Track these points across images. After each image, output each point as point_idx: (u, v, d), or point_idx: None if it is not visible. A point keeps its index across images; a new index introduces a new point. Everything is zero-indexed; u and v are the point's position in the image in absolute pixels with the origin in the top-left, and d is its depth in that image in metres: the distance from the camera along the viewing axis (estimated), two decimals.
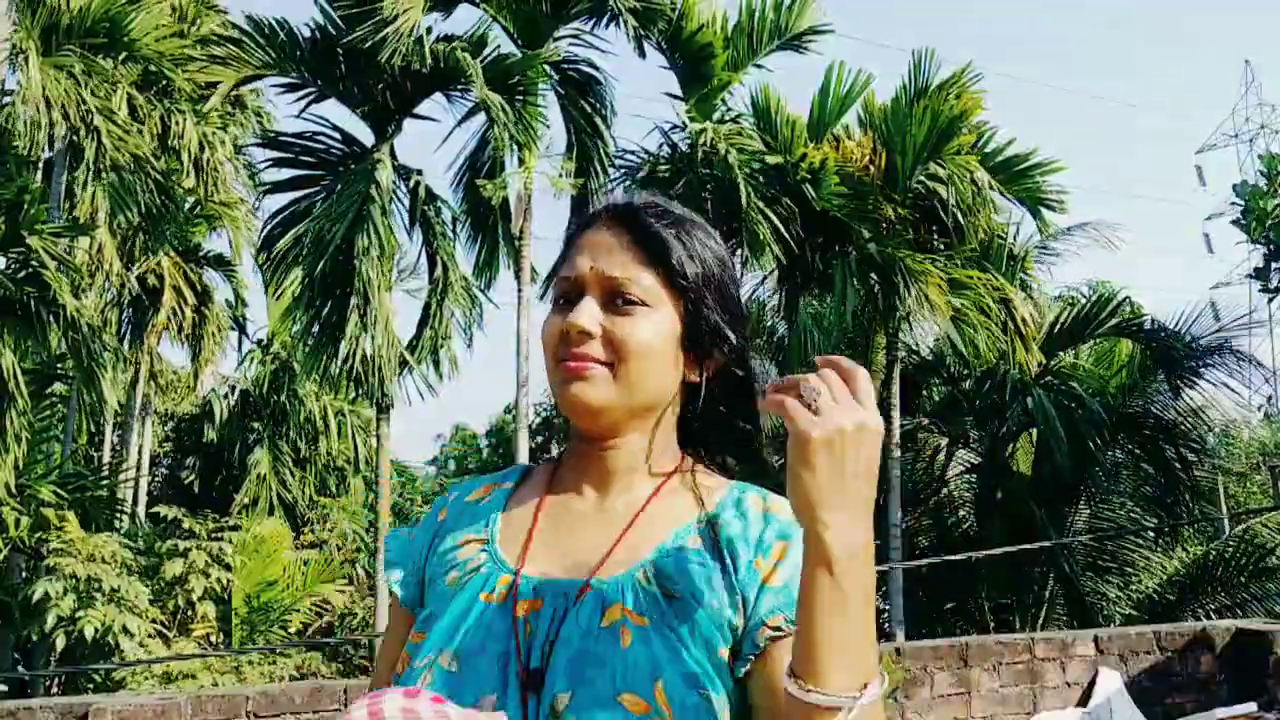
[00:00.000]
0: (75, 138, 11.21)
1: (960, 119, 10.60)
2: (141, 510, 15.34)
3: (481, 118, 11.03)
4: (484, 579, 1.00)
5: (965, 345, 10.65)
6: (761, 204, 10.04)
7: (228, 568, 10.66)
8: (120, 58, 11.77)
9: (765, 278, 11.69)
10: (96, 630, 9.01)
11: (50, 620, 9.04)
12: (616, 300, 1.00)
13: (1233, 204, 13.38)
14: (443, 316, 11.38)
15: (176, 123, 12.47)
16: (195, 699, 3.81)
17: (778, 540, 0.97)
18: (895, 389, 11.41)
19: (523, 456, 10.78)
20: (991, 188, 10.47)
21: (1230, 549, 11.70)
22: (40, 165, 12.37)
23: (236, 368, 18.68)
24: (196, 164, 12.76)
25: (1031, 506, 11.36)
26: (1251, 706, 4.82)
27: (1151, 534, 12.19)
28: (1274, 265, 12.88)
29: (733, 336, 1.04)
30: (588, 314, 1.00)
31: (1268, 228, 12.42)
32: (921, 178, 10.56)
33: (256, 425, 17.62)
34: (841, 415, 0.81)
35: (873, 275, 10.72)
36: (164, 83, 12.38)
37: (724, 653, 0.92)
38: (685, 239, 1.04)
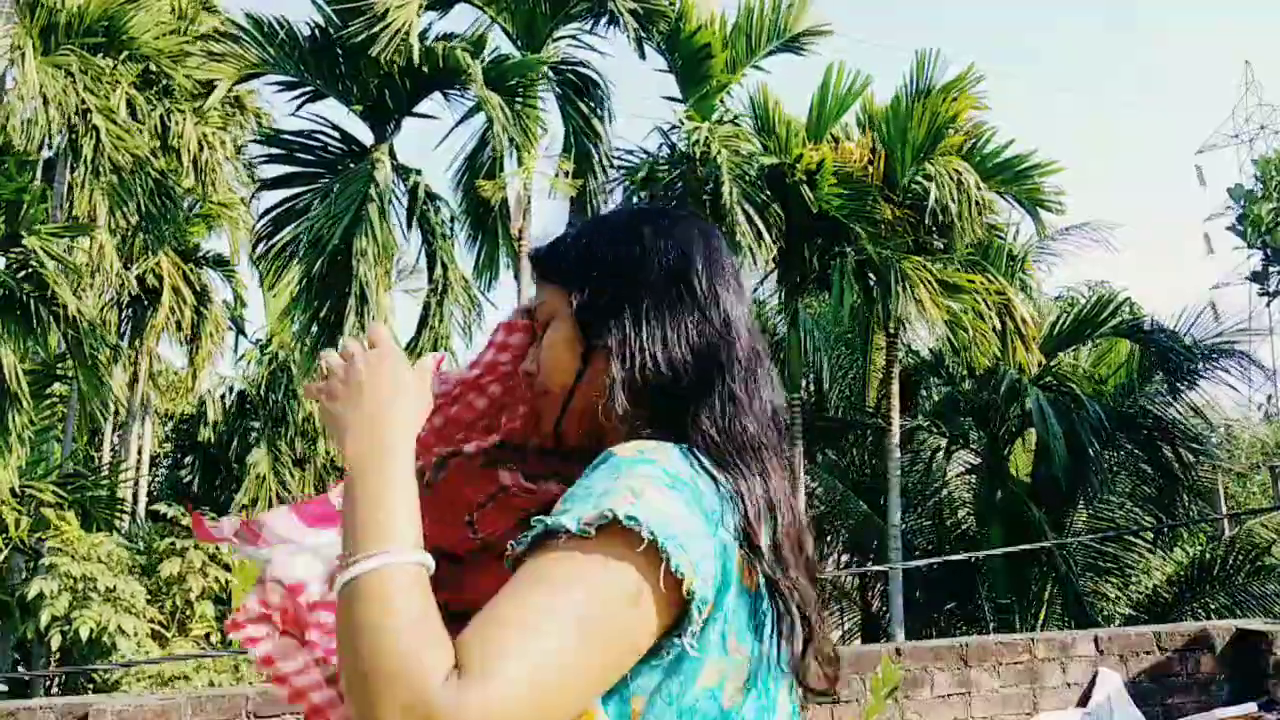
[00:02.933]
0: (74, 137, 11.20)
1: (954, 120, 10.61)
2: (141, 510, 15.34)
3: (481, 118, 11.03)
4: None
5: (961, 349, 10.66)
6: (748, 205, 10.02)
7: (226, 567, 10.64)
8: (121, 57, 11.77)
9: (764, 277, 11.70)
10: (92, 630, 8.99)
11: (45, 618, 9.03)
12: (537, 332, 1.09)
13: (1228, 208, 13.42)
14: (442, 316, 11.37)
15: (176, 122, 12.47)
16: (195, 699, 3.80)
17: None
18: (895, 389, 11.41)
19: None
20: (979, 188, 10.45)
21: (1229, 549, 11.72)
22: (40, 165, 12.38)
23: (234, 366, 18.69)
24: (195, 163, 12.76)
25: (1031, 507, 11.37)
26: (1251, 706, 4.82)
27: (1150, 534, 12.20)
28: (1272, 269, 12.91)
29: (628, 315, 0.99)
30: (530, 358, 1.10)
31: (1264, 232, 12.45)
32: (918, 178, 10.57)
33: (255, 425, 17.62)
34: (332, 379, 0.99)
35: (870, 276, 10.73)
36: (164, 82, 12.37)
37: None
38: (580, 241, 1.07)
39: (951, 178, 10.30)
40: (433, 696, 0.74)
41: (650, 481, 0.86)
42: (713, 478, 0.92)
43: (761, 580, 0.91)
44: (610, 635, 0.81)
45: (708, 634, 0.86)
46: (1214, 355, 11.96)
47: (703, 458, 0.93)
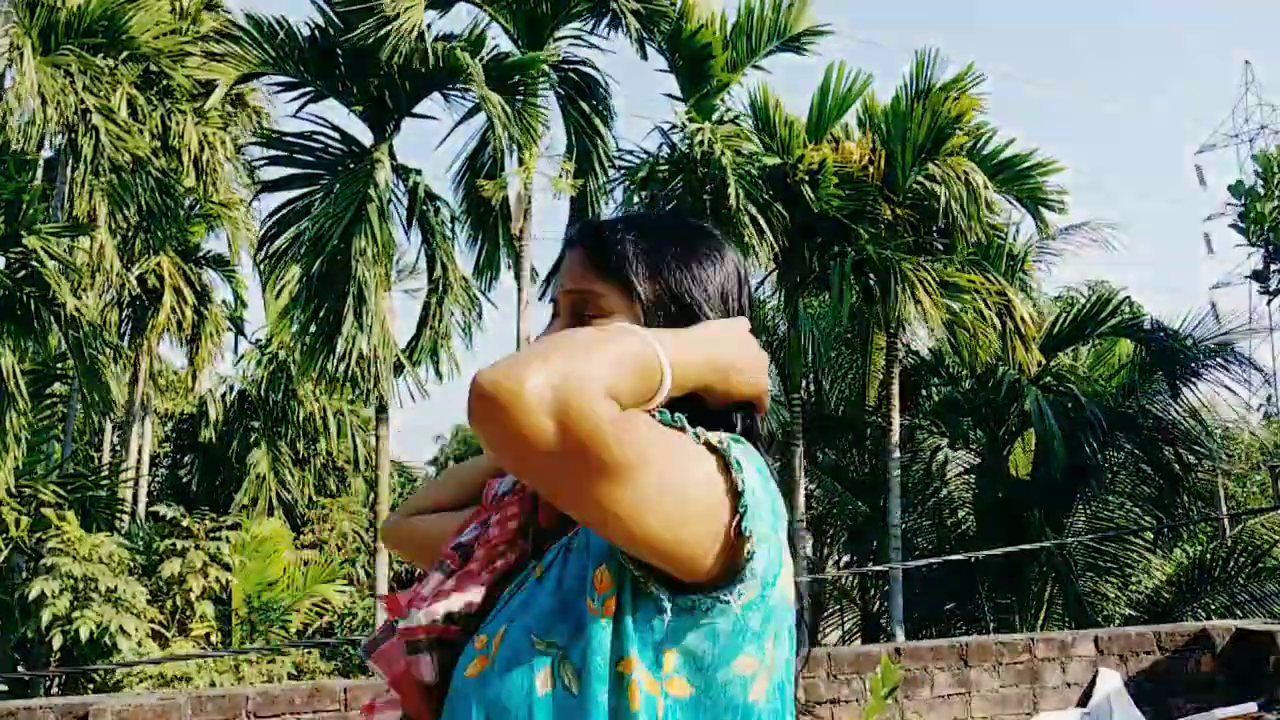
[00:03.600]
0: (73, 136, 11.20)
1: (957, 120, 10.60)
2: (141, 510, 15.34)
3: (481, 118, 11.04)
4: None
5: (961, 348, 10.66)
6: (752, 205, 10.03)
7: (226, 567, 10.64)
8: (121, 57, 11.77)
9: (765, 277, 11.70)
10: (93, 630, 8.99)
11: (46, 618, 9.03)
12: (581, 318, 1.04)
13: (1229, 205, 13.40)
14: (442, 316, 11.37)
15: (176, 123, 12.47)
16: (195, 699, 3.81)
17: None
18: (895, 389, 11.41)
19: None
20: (986, 188, 10.46)
21: (1229, 549, 11.72)
22: (42, 165, 12.38)
23: (234, 366, 18.70)
24: (196, 164, 12.76)
25: (1030, 507, 11.37)
26: (1251, 706, 4.82)
27: (1150, 534, 12.20)
28: (1273, 267, 12.90)
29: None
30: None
31: (1266, 230, 12.43)
32: (920, 178, 10.56)
33: (255, 425, 17.62)
34: None
35: (871, 276, 10.72)
36: (165, 83, 12.38)
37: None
38: (643, 246, 1.04)
39: (959, 178, 10.30)
40: (594, 385, 0.81)
41: (746, 456, 0.91)
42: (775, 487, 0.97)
43: (790, 591, 0.95)
44: (682, 501, 0.86)
45: (748, 617, 0.89)
46: (1214, 353, 11.96)
47: None
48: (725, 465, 0.89)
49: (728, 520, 0.87)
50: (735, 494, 0.88)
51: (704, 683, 0.88)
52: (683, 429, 0.90)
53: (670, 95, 11.29)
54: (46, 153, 12.27)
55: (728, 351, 0.99)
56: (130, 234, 13.73)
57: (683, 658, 0.88)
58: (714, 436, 0.91)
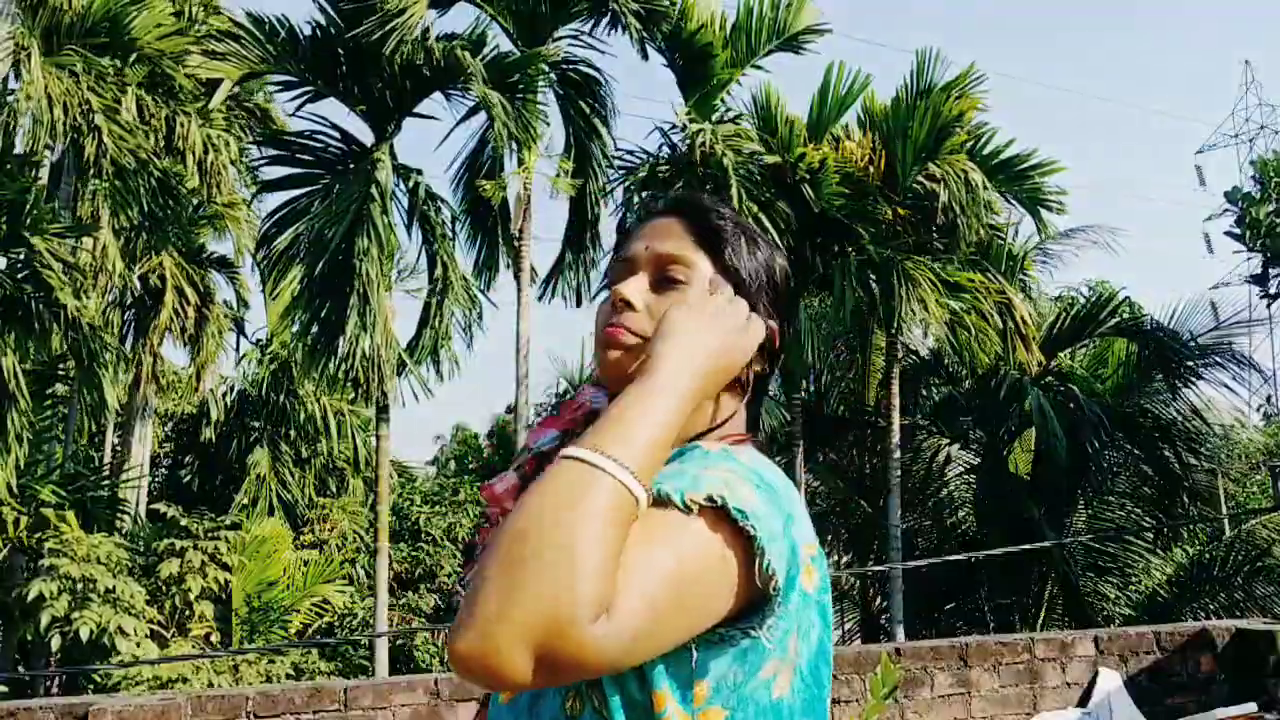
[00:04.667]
0: (77, 137, 11.21)
1: (958, 119, 10.61)
2: (142, 510, 15.34)
3: (481, 118, 11.04)
4: None
5: (962, 349, 10.66)
6: (754, 206, 10.03)
7: (225, 567, 10.64)
8: (130, 59, 11.78)
9: None
10: (92, 631, 8.99)
11: (45, 620, 9.04)
12: (666, 281, 1.04)
13: (1225, 210, 13.42)
14: (443, 316, 11.37)
15: (181, 124, 12.48)
16: (195, 699, 3.81)
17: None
18: (895, 389, 11.41)
19: None
20: (986, 188, 10.45)
21: (1229, 549, 11.72)
22: (47, 166, 12.37)
23: (235, 366, 18.68)
24: (200, 166, 12.76)
25: (1031, 507, 11.37)
26: (1251, 706, 4.82)
27: (1150, 534, 12.20)
28: (1272, 271, 12.90)
29: (768, 307, 1.07)
30: (633, 287, 1.04)
31: (1263, 234, 12.45)
32: (920, 178, 10.56)
33: (256, 425, 17.62)
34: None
35: (872, 276, 10.73)
36: (169, 84, 12.38)
37: None
38: (739, 235, 1.07)
39: (959, 177, 10.30)
40: (580, 615, 0.74)
41: (739, 477, 0.91)
42: (781, 479, 0.97)
43: (815, 582, 0.95)
44: (697, 598, 0.85)
45: (772, 633, 0.90)
46: (1212, 350, 11.97)
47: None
48: (729, 517, 0.87)
49: (747, 569, 0.87)
50: (749, 539, 0.86)
51: (736, 700, 0.89)
52: (669, 504, 0.86)
53: (670, 96, 11.30)
54: (53, 155, 12.26)
55: (704, 350, 0.94)
56: (134, 235, 13.73)
57: (714, 686, 0.89)
58: (713, 482, 0.88)
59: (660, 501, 0.86)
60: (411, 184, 11.26)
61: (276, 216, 10.88)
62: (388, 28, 9.80)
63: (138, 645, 9.26)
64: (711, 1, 11.11)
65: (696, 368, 0.92)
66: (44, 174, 12.10)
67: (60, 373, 11.42)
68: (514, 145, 10.67)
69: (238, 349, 18.38)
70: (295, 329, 11.52)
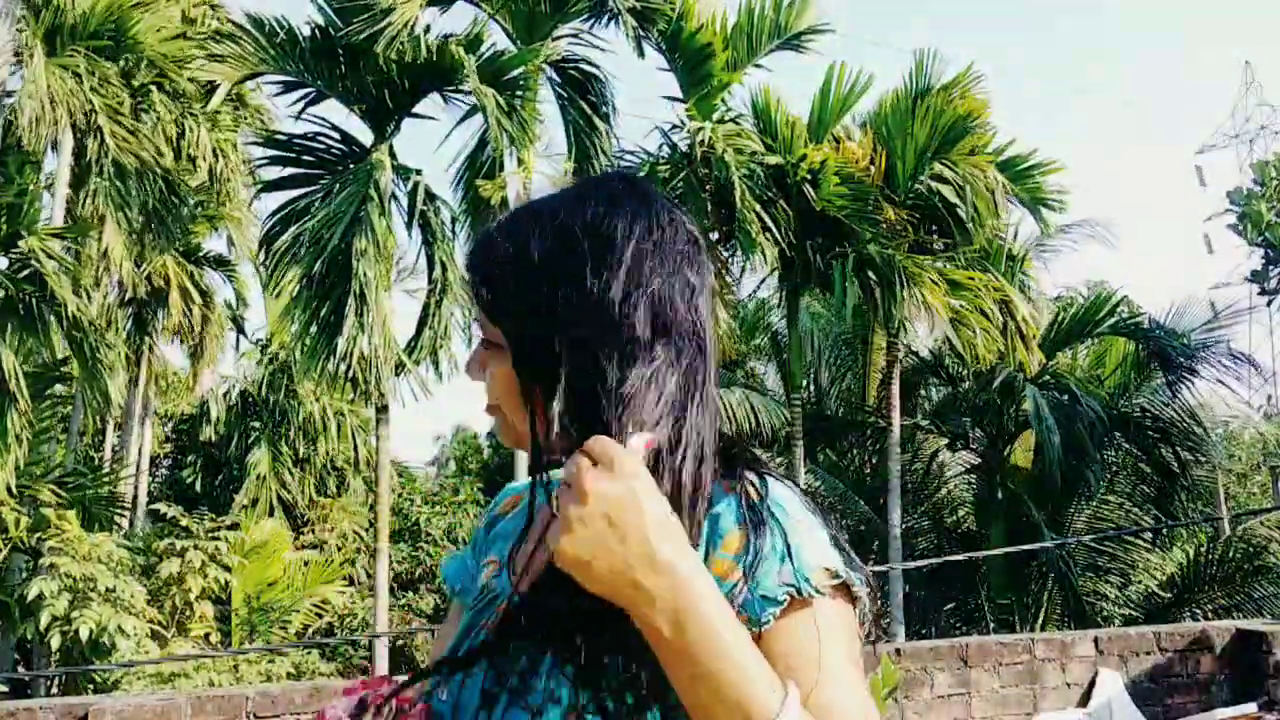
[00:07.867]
0: (79, 138, 11.22)
1: (967, 119, 10.60)
2: (142, 510, 15.35)
3: (481, 118, 11.02)
4: (490, 607, 0.95)
5: (964, 347, 10.66)
6: (757, 204, 10.03)
7: (225, 567, 10.65)
8: (136, 64, 11.79)
9: (766, 277, 11.70)
10: (92, 630, 8.99)
11: (44, 619, 9.03)
12: (484, 344, 0.95)
13: (1228, 209, 13.44)
14: (442, 316, 11.37)
15: (190, 129, 12.49)
16: (195, 699, 3.81)
17: None
18: (895, 389, 11.42)
19: (522, 458, 10.75)
20: (1007, 191, 10.48)
21: (1229, 549, 11.71)
22: (66, 167, 12.37)
23: (235, 366, 18.70)
24: (210, 172, 12.78)
25: (1030, 507, 11.37)
26: (1251, 707, 4.82)
27: (1150, 534, 12.20)
28: (1272, 269, 12.93)
29: (557, 338, 0.86)
30: (471, 362, 0.97)
31: (1264, 232, 12.48)
32: (926, 179, 10.56)
33: (256, 425, 17.62)
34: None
35: (872, 276, 10.73)
36: (173, 86, 12.39)
37: None
38: (489, 258, 0.91)
39: (978, 179, 10.31)
40: None
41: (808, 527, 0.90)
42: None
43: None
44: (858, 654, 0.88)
45: None
46: (1212, 348, 11.98)
47: None
48: (845, 585, 0.88)
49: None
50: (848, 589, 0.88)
51: None
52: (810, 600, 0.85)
53: (670, 96, 11.29)
54: (54, 155, 12.25)
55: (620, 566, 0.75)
56: (136, 235, 13.74)
57: None
58: (825, 560, 0.87)
59: (801, 600, 0.84)
60: (411, 184, 11.26)
61: (276, 216, 10.87)
62: (378, 27, 9.80)
63: (138, 645, 9.26)
64: (713, 2, 11.10)
65: (677, 635, 0.75)
66: (65, 171, 12.03)
67: (60, 372, 11.41)
68: (511, 143, 10.66)
69: (238, 348, 18.40)
70: (294, 329, 11.52)
